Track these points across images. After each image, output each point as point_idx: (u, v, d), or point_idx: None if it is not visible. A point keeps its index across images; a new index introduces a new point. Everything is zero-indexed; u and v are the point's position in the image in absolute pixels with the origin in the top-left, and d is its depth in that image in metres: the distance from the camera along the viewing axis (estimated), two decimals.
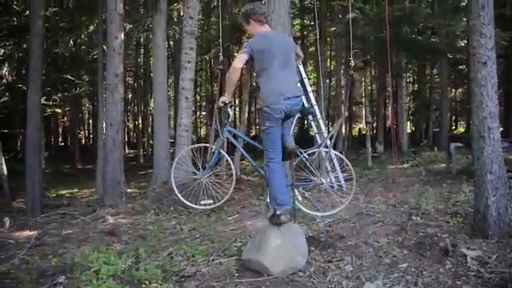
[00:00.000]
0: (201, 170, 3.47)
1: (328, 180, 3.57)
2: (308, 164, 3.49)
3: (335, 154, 3.68)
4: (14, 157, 17.75)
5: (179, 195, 3.51)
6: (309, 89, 7.65)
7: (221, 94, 3.68)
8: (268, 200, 3.48)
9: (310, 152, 3.55)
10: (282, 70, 3.15)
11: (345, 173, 3.77)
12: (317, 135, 7.75)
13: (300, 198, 3.67)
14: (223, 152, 3.47)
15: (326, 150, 3.63)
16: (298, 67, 7.50)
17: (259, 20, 3.28)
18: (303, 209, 3.78)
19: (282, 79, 3.13)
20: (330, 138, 3.62)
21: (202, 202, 3.56)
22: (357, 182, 3.63)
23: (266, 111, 3.09)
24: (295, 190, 3.60)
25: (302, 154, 3.50)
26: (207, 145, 3.52)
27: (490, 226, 3.56)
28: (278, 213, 3.17)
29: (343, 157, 3.63)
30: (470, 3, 3.67)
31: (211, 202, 3.56)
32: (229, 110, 3.34)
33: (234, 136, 3.57)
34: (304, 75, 7.59)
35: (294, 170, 3.51)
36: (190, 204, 3.55)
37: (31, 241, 4.75)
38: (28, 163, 8.99)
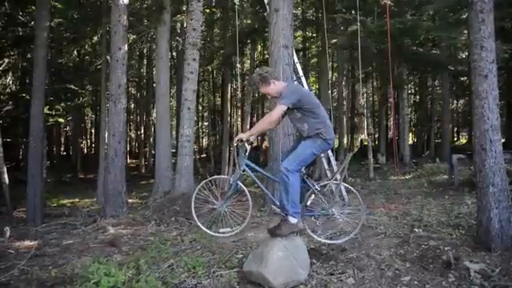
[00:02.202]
0: (219, 199, 3.70)
1: (338, 211, 3.76)
2: (320, 195, 3.67)
3: (345, 187, 3.86)
4: (15, 166, 17.81)
5: (200, 224, 3.73)
6: None
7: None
8: (276, 210, 3.54)
9: (322, 184, 3.75)
10: (324, 112, 3.57)
11: (352, 206, 3.99)
12: None
13: (311, 233, 3.87)
14: (241, 184, 3.64)
15: (337, 182, 3.85)
16: (300, 78, 7.58)
17: (276, 77, 3.62)
18: (312, 235, 3.86)
19: (330, 125, 3.59)
20: (342, 171, 3.87)
21: (220, 230, 3.75)
22: (365, 212, 3.83)
23: (324, 141, 3.48)
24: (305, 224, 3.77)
25: (314, 186, 3.66)
26: (226, 176, 3.81)
27: (493, 239, 3.54)
28: (294, 219, 3.35)
29: (354, 189, 3.81)
30: (471, 17, 3.71)
31: (229, 229, 3.72)
32: (246, 144, 3.59)
33: (252, 169, 3.69)
34: (306, 87, 7.63)
35: (307, 201, 3.70)
36: (210, 232, 3.76)
37: (31, 251, 4.73)
38: (30, 172, 9.00)
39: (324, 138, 3.47)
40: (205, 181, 3.75)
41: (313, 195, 3.71)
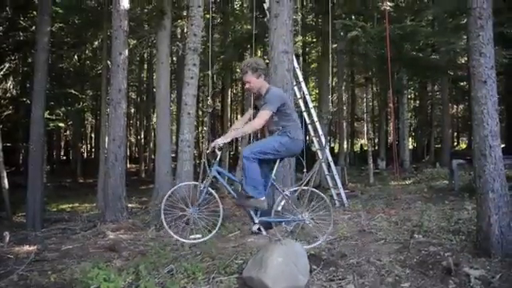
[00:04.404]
0: (190, 206, 3.62)
1: (309, 217, 3.71)
2: (289, 201, 3.66)
3: (313, 192, 3.81)
4: (15, 170, 17.80)
5: (170, 231, 3.64)
6: (310, 105, 7.71)
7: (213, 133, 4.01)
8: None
9: (291, 190, 3.79)
10: (296, 117, 3.72)
11: (324, 210, 3.90)
12: (318, 151, 7.77)
13: (279, 236, 3.72)
14: (211, 190, 3.60)
15: (306, 188, 3.79)
16: (300, 83, 7.60)
17: (265, 75, 3.69)
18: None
19: (300, 126, 3.72)
20: (311, 177, 3.81)
21: (191, 237, 3.70)
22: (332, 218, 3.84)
23: (291, 140, 3.54)
24: (274, 228, 3.75)
25: (283, 191, 3.67)
26: (196, 183, 3.66)
27: (493, 245, 3.53)
28: (255, 201, 3.43)
29: (323, 195, 3.80)
30: (470, 23, 3.73)
31: (200, 236, 3.66)
32: (217, 150, 3.54)
33: (222, 175, 3.73)
34: (306, 92, 7.66)
35: (277, 207, 3.72)
36: (179, 238, 3.69)
37: (31, 256, 4.72)
38: (30, 177, 9.00)
39: (291, 136, 3.54)
40: (173, 188, 3.71)
41: (283, 201, 3.69)
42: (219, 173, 3.64)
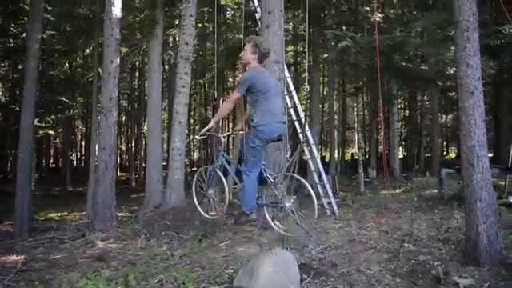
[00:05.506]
0: (206, 187, 4.15)
1: (290, 204, 3.66)
2: (273, 187, 3.72)
3: (296, 178, 3.73)
4: (3, 178, 17.53)
5: (198, 206, 4.18)
6: (301, 114, 7.75)
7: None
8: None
9: (275, 176, 3.82)
10: (275, 99, 3.66)
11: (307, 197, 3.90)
12: (309, 161, 7.80)
13: (271, 222, 3.88)
14: (219, 172, 3.98)
15: (288, 173, 3.78)
16: (291, 93, 7.65)
17: (259, 57, 3.71)
18: (275, 228, 3.90)
19: (274, 106, 3.62)
20: (292, 163, 3.83)
21: (210, 213, 4.08)
22: (319, 209, 3.90)
23: (256, 130, 3.53)
24: (266, 213, 3.98)
25: (269, 178, 3.75)
26: (208, 166, 4.20)
27: (482, 254, 3.57)
28: (245, 216, 3.74)
29: (305, 182, 3.71)
30: (457, 35, 3.82)
31: (215, 213, 4.05)
32: (222, 138, 4.01)
33: (228, 162, 4.05)
34: (297, 101, 7.70)
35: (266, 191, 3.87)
36: (204, 214, 4.16)
37: (17, 266, 4.65)
38: (18, 185, 8.85)
39: (254, 124, 3.53)
40: (199, 170, 4.26)
41: (265, 191, 3.84)
42: (227, 161, 4.04)
